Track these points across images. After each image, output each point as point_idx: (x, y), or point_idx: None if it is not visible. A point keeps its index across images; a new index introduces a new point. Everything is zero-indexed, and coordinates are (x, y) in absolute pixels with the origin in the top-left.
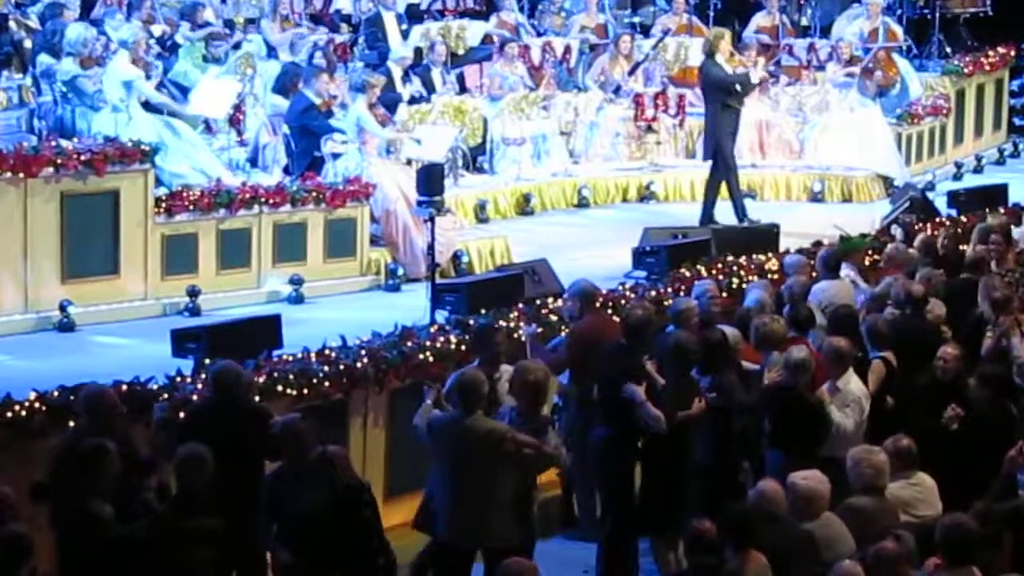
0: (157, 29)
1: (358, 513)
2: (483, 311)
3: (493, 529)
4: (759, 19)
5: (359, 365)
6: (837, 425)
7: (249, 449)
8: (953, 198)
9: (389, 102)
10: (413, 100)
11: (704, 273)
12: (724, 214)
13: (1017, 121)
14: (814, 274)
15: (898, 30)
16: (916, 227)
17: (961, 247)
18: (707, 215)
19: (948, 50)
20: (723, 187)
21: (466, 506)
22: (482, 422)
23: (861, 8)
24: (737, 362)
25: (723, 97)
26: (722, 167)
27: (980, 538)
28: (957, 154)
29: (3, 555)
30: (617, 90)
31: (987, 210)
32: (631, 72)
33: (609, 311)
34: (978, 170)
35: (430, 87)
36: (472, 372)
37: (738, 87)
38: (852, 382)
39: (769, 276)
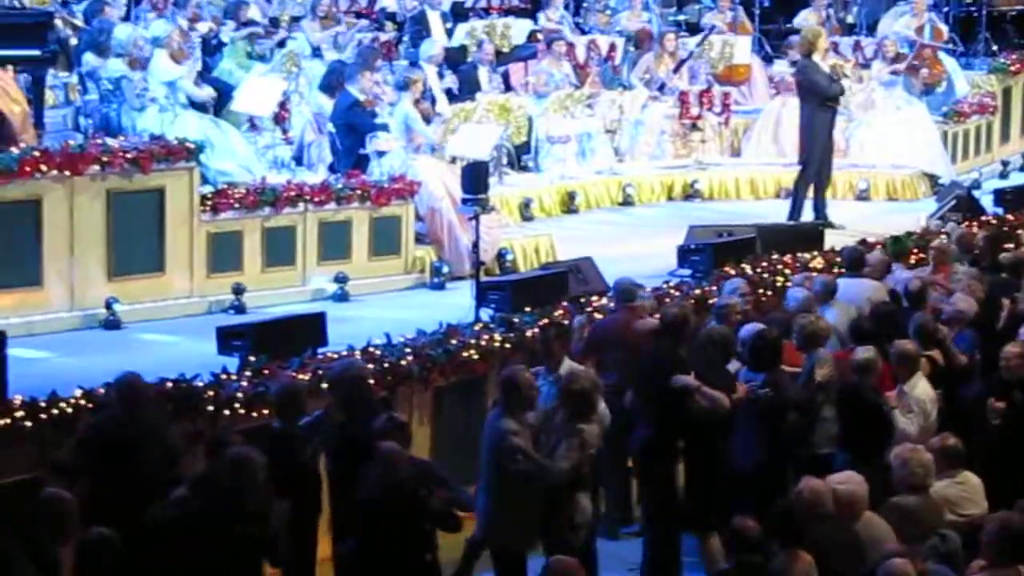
0: (203, 26)
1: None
2: (527, 309)
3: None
4: (807, 14)
5: (404, 363)
6: (900, 430)
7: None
8: (999, 196)
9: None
10: (451, 96)
11: (749, 271)
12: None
13: None
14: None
15: (944, 28)
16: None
17: (1005, 246)
18: (820, 213)
19: (995, 48)
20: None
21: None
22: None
23: (907, 6)
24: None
25: (821, 98)
26: (814, 166)
27: None
28: (1004, 152)
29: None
30: (662, 88)
31: None
32: (676, 69)
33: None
34: None
35: (476, 85)
36: (513, 371)
37: (835, 97)
38: (919, 387)
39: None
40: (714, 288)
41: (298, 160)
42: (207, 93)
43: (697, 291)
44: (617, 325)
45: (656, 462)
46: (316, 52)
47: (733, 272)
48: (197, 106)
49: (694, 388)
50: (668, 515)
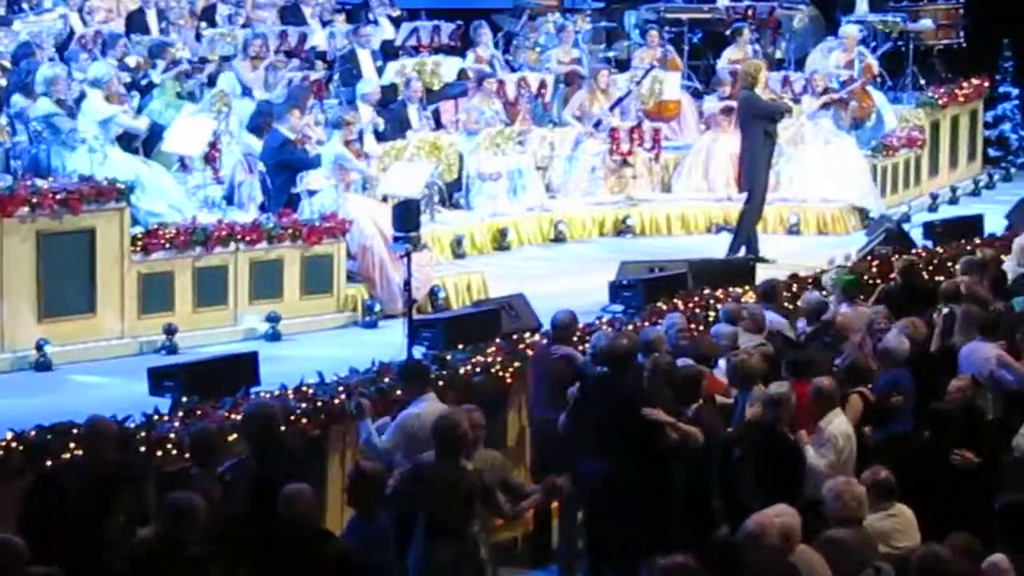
0: (132, 60)
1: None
2: (459, 346)
3: None
4: (731, 52)
5: (336, 402)
6: (809, 466)
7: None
8: (929, 229)
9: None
10: (378, 135)
11: (681, 307)
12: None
13: (992, 152)
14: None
15: (873, 63)
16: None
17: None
18: (752, 247)
19: (922, 82)
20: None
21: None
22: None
23: (836, 41)
24: (711, 396)
25: (766, 126)
26: (758, 198)
27: (956, 569)
28: (932, 185)
29: None
30: (597, 124)
31: (963, 241)
32: (613, 107)
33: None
34: (953, 201)
35: (406, 123)
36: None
37: (783, 115)
38: (835, 423)
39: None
40: (646, 324)
41: (229, 200)
42: (144, 123)
43: (630, 327)
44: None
45: (614, 497)
46: (246, 91)
47: (665, 308)
48: (127, 146)
49: (666, 423)
50: (621, 552)
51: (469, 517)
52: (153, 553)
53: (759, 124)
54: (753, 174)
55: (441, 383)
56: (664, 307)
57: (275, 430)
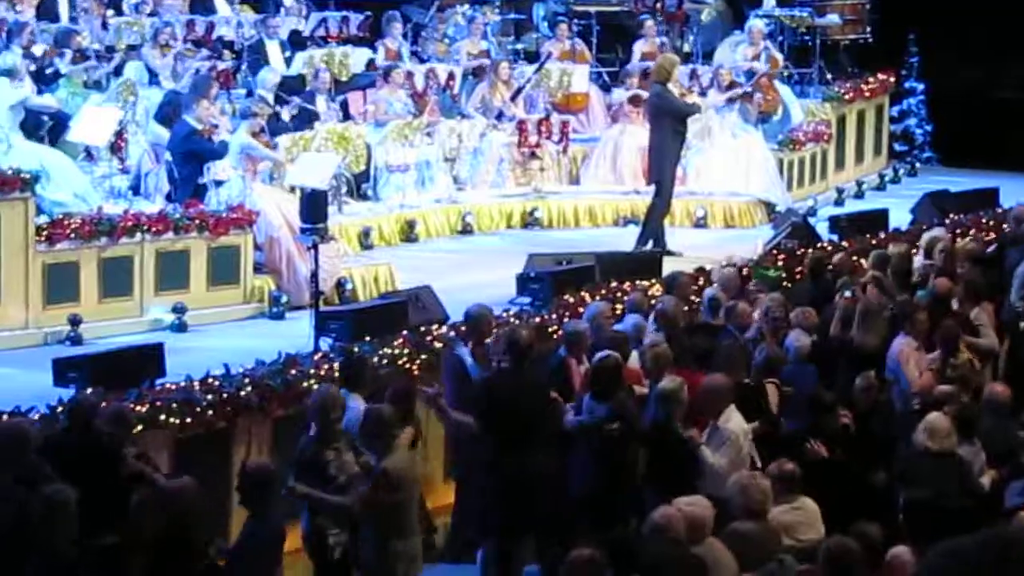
0: (39, 48)
1: None
2: (366, 338)
3: None
4: (641, 46)
5: (243, 393)
6: (711, 465)
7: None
8: (834, 223)
9: (273, 131)
10: (301, 118)
11: (588, 299)
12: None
13: (897, 147)
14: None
15: (779, 57)
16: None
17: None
18: (659, 241)
19: (829, 76)
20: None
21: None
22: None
23: (743, 35)
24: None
25: (675, 124)
26: (667, 192)
27: (861, 559)
28: (838, 180)
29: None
30: (499, 116)
31: (868, 236)
32: (513, 97)
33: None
34: (859, 195)
35: (314, 114)
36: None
37: (693, 111)
38: (732, 420)
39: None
40: (554, 316)
41: (135, 190)
42: (51, 100)
43: (537, 319)
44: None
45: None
46: (154, 80)
47: (573, 300)
48: (32, 135)
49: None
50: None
51: None
52: None
53: (669, 120)
54: (661, 168)
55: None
56: (571, 300)
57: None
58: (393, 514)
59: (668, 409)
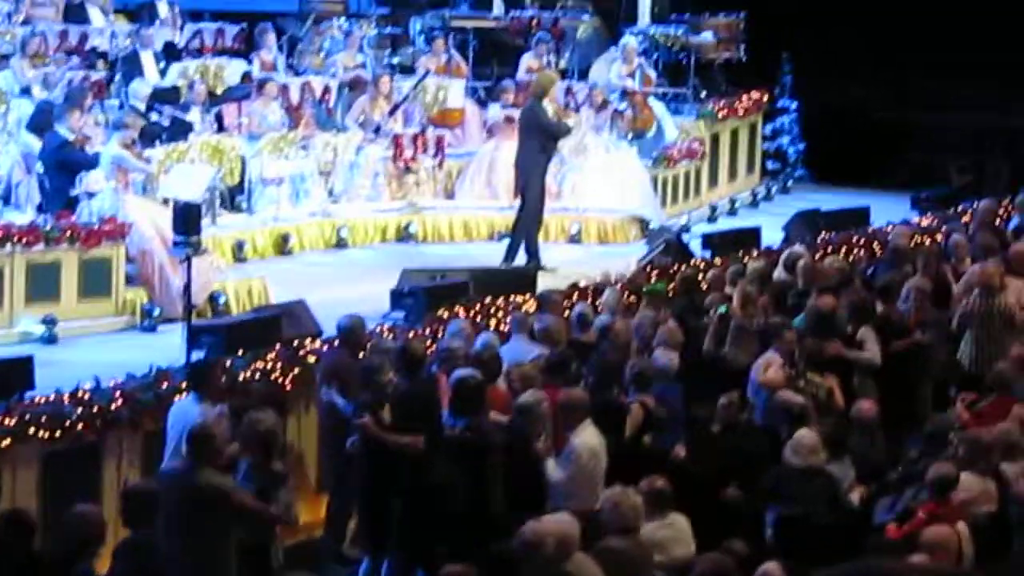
0: None
1: None
2: (239, 352)
3: None
4: (528, 59)
5: (113, 407)
6: (550, 479)
7: None
8: (707, 240)
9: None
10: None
11: (462, 315)
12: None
13: (770, 165)
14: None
15: (653, 74)
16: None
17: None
18: (533, 256)
19: (703, 94)
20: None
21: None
22: (209, 477)
23: (618, 52)
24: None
25: (544, 140)
26: (532, 208)
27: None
28: (712, 197)
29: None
30: (377, 130)
31: (740, 253)
32: (391, 112)
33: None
34: (732, 213)
35: (188, 126)
36: (204, 423)
37: (563, 135)
38: (583, 434)
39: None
40: (427, 332)
41: (5, 200)
42: None
43: (410, 334)
44: (342, 362)
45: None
46: (25, 91)
47: (447, 316)
48: None
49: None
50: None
51: None
52: None
53: (537, 135)
54: (528, 182)
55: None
56: (445, 315)
57: None
58: None
59: (524, 423)
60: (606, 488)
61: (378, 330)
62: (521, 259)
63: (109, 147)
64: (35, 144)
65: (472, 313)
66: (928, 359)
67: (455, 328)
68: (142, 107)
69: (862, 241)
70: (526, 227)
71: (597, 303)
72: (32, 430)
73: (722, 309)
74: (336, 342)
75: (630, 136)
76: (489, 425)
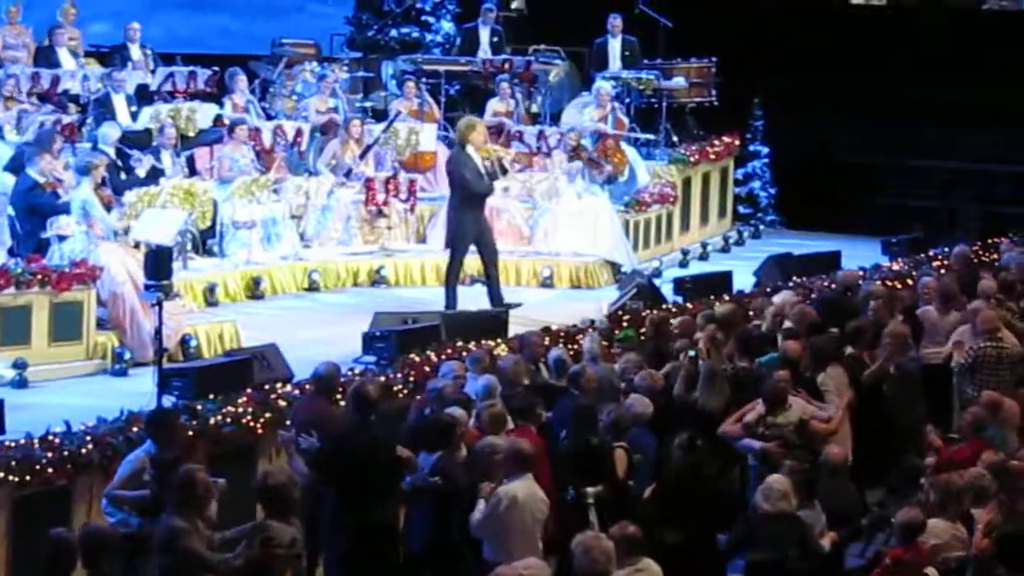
0: None
1: None
2: (211, 396)
3: None
4: (494, 104)
5: (84, 451)
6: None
7: None
8: (679, 285)
9: (119, 188)
10: (151, 175)
11: (434, 359)
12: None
13: (742, 209)
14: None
15: (625, 119)
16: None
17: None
18: (495, 298)
19: (675, 139)
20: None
21: None
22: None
23: (590, 96)
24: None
25: (465, 191)
26: (458, 256)
27: None
28: (684, 241)
29: None
30: (348, 173)
31: (712, 297)
32: (362, 155)
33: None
34: (704, 257)
35: (159, 170)
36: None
37: (479, 193)
38: (515, 483)
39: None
40: (399, 375)
41: None
42: None
43: (382, 378)
44: (318, 409)
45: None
46: None
47: (418, 359)
48: None
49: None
50: None
51: None
52: None
53: (459, 187)
54: (452, 232)
55: (191, 433)
56: (417, 359)
57: None
58: None
59: (477, 467)
60: (580, 535)
61: (350, 374)
62: (509, 297)
63: (79, 191)
64: (10, 185)
65: (444, 357)
66: (900, 403)
67: (447, 370)
68: (112, 151)
69: (833, 286)
70: (453, 272)
71: (570, 347)
72: (2, 474)
73: (691, 353)
74: (311, 389)
75: (603, 180)
76: (453, 463)
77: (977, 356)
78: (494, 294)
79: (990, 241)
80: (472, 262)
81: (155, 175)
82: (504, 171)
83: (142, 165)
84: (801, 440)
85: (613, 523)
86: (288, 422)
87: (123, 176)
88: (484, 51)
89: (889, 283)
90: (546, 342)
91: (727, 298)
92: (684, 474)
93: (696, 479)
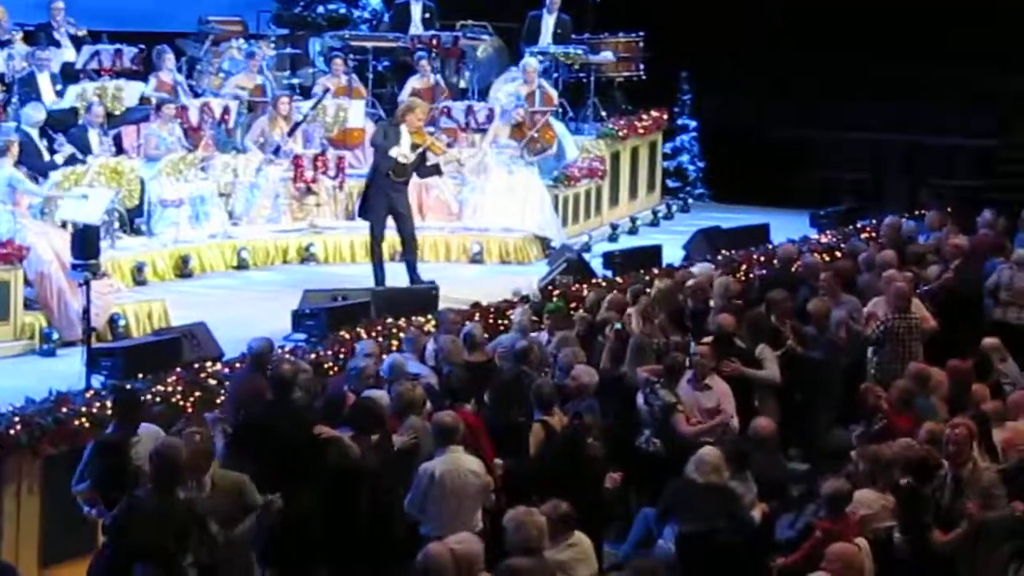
0: None
1: None
2: (140, 375)
3: None
4: (414, 82)
5: (12, 432)
6: None
7: None
8: (608, 259)
9: (41, 169)
10: (70, 162)
11: (364, 335)
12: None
13: (670, 183)
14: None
15: (553, 94)
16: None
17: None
18: (379, 277)
19: (603, 113)
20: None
21: None
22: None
23: (517, 71)
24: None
25: (382, 162)
26: (376, 230)
27: None
28: (613, 216)
29: None
30: (277, 151)
31: (641, 271)
32: (291, 133)
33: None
34: (633, 231)
35: (86, 148)
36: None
37: (390, 172)
38: (437, 458)
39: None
40: (329, 353)
41: None
42: None
43: (312, 356)
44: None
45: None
46: None
47: (348, 336)
48: None
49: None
50: None
51: (182, 549)
52: None
53: (377, 156)
54: (363, 199)
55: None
56: (347, 336)
57: None
58: None
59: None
60: (511, 509)
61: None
62: (437, 275)
63: (2, 170)
64: None
65: (373, 334)
66: (828, 376)
67: (364, 349)
68: (35, 133)
69: (762, 258)
70: (376, 245)
71: (500, 323)
72: None
73: (617, 326)
74: (246, 365)
75: (531, 155)
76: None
77: (887, 328)
78: (411, 272)
79: (917, 212)
80: (395, 237)
81: (73, 163)
82: (439, 171)
83: (62, 151)
84: None
85: (522, 499)
86: (221, 399)
87: (47, 158)
88: (416, 27)
89: (818, 255)
90: (463, 319)
91: (657, 271)
92: (561, 450)
93: (573, 454)
